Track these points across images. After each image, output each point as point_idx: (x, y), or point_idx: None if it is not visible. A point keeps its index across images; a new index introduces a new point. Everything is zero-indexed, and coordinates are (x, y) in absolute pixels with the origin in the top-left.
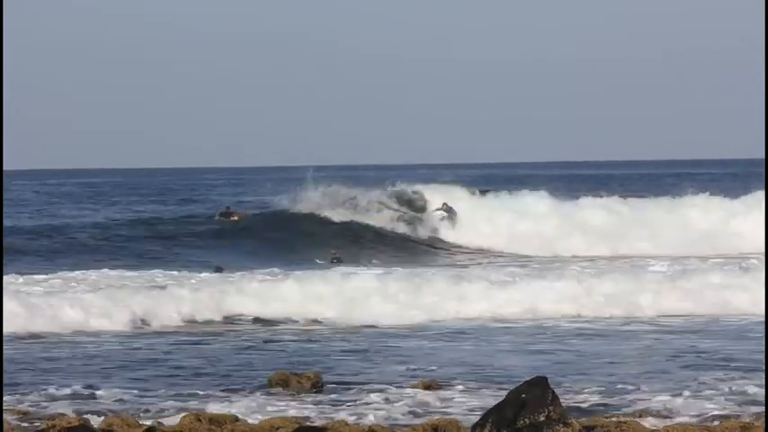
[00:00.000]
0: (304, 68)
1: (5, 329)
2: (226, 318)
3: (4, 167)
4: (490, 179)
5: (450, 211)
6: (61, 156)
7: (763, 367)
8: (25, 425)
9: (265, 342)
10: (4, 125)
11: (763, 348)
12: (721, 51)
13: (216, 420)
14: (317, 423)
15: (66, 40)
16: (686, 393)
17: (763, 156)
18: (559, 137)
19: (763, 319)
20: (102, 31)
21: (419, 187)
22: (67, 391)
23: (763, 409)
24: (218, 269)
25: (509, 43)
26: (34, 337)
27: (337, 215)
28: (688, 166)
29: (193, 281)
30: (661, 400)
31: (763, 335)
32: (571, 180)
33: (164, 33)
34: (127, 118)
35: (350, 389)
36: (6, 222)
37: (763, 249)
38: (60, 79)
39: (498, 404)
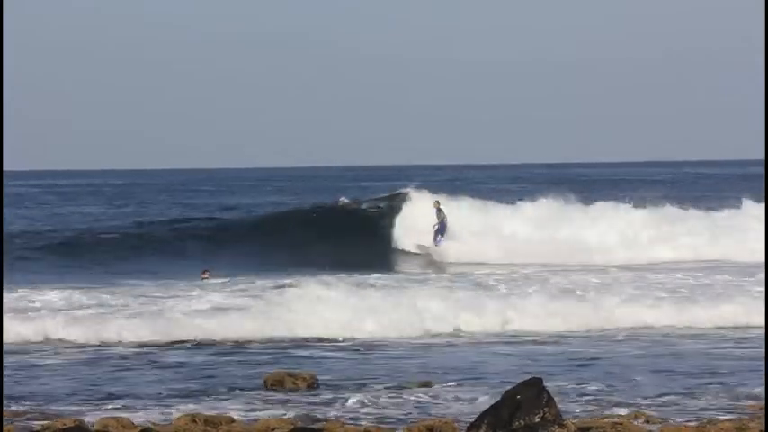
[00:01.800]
0: (304, 68)
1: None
2: (219, 324)
3: (5, 167)
4: (491, 179)
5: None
6: (61, 156)
7: (763, 368)
8: (23, 425)
9: (261, 343)
10: (4, 125)
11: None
12: (721, 51)
13: (211, 421)
14: (313, 424)
15: (66, 40)
16: (682, 394)
17: (763, 156)
18: (559, 137)
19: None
20: (102, 31)
21: None
22: (65, 392)
23: (758, 410)
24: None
25: (509, 43)
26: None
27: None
28: (687, 166)
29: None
30: (657, 400)
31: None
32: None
33: (164, 33)
34: (127, 118)
35: (345, 389)
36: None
37: None
38: (60, 79)
39: (494, 405)
